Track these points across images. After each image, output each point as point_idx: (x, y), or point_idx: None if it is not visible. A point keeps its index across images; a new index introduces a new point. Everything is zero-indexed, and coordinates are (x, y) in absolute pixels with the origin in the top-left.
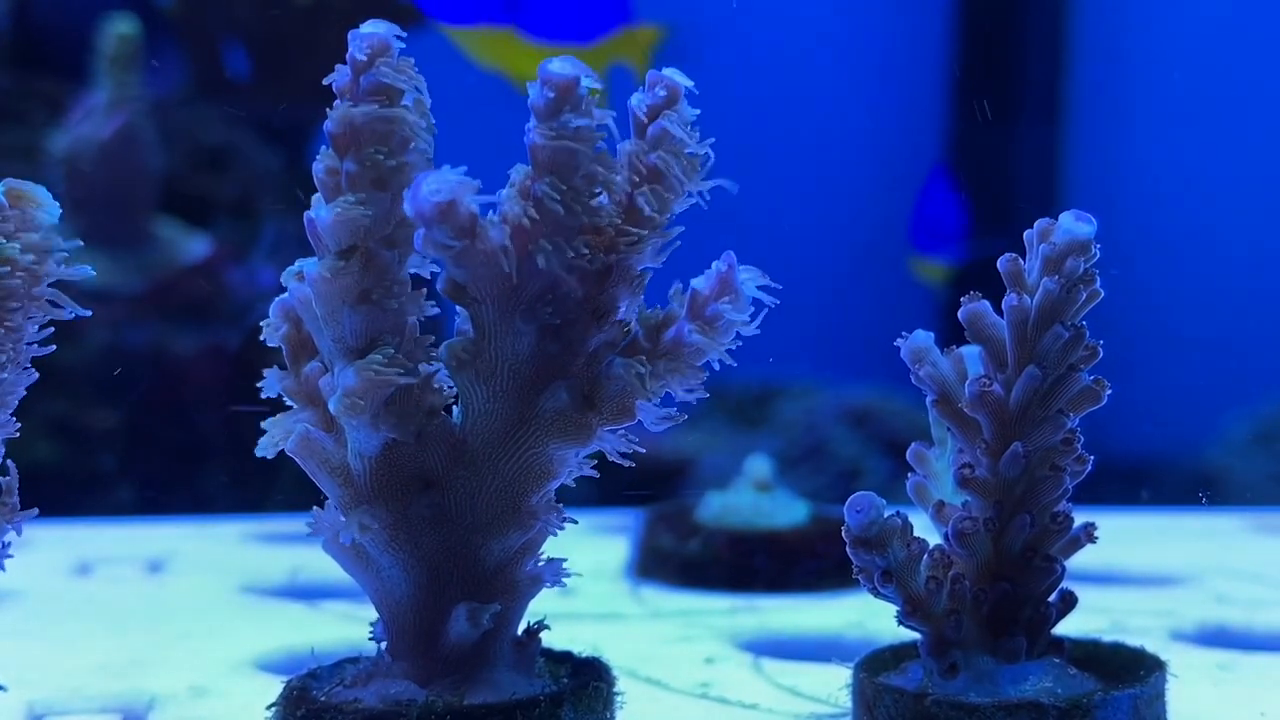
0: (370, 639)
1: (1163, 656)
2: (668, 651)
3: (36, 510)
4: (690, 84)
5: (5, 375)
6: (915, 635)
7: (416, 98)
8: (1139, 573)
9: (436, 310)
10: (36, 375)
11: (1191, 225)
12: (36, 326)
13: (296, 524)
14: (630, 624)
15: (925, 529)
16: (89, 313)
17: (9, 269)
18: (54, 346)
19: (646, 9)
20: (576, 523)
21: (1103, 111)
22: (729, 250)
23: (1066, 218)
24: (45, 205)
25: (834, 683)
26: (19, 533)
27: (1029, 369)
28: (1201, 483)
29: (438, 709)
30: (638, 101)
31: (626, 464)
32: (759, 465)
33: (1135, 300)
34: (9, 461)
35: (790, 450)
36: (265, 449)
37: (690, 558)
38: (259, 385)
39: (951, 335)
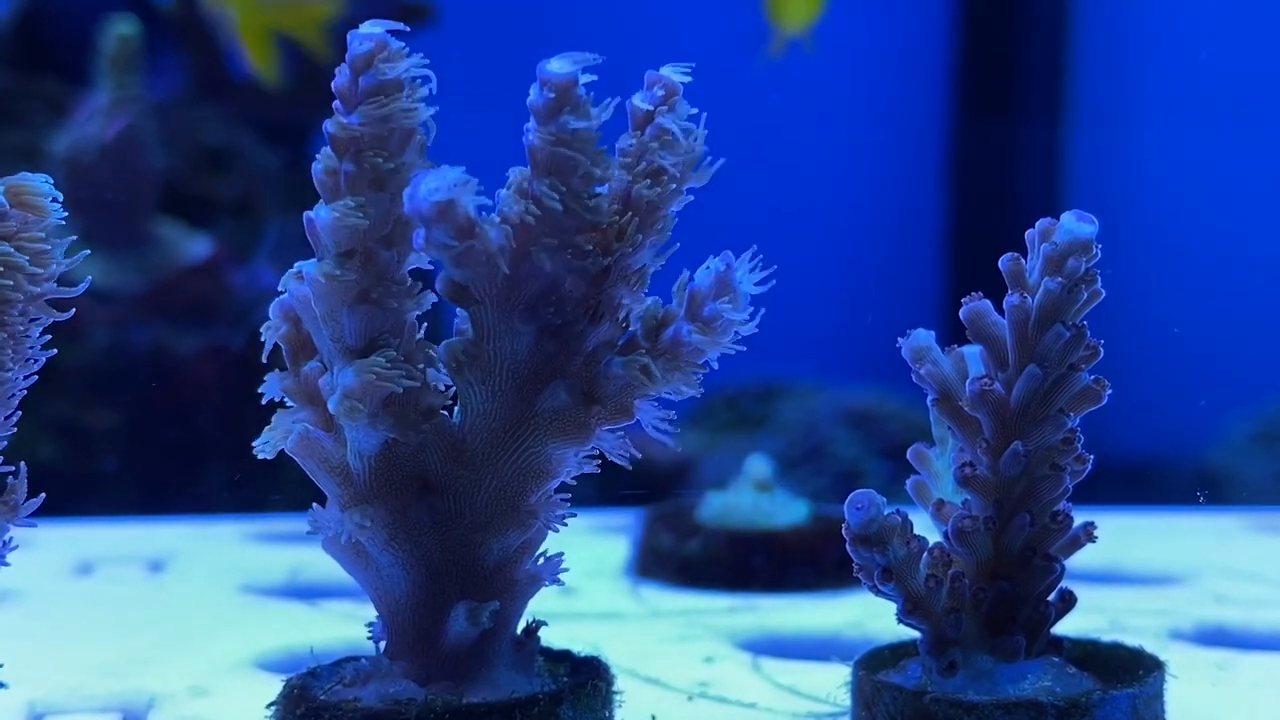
0: (369, 639)
1: (1161, 656)
2: (667, 651)
3: (42, 495)
4: (689, 79)
5: (6, 375)
6: (914, 633)
7: (417, 96)
8: (1138, 572)
9: (434, 300)
10: (37, 370)
11: (1193, 225)
12: (39, 329)
13: (296, 524)
14: (630, 623)
15: (925, 528)
16: (70, 313)
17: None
18: (55, 350)
19: None
20: (575, 515)
21: (1104, 111)
22: (727, 250)
23: (1068, 217)
24: (47, 199)
25: (833, 681)
26: (35, 524)
27: (1030, 368)
28: (1202, 482)
29: (437, 708)
30: (637, 99)
31: (626, 464)
32: (759, 465)
33: (1137, 300)
34: (21, 463)
35: (790, 451)
36: (265, 449)
37: (690, 557)
38: (260, 390)
39: (953, 335)
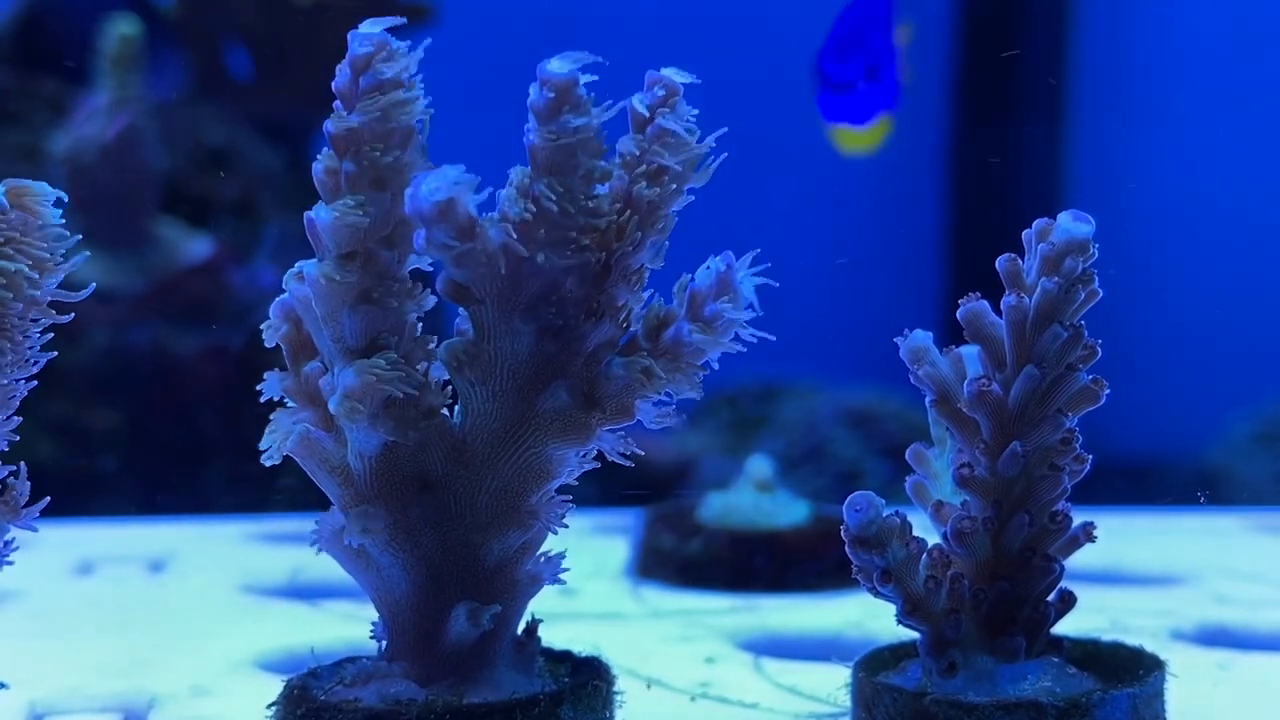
0: (371, 638)
1: (1162, 656)
2: (668, 651)
3: (47, 499)
4: (690, 79)
5: (5, 379)
6: (914, 634)
7: (416, 95)
8: (1139, 572)
9: (435, 300)
10: (35, 372)
11: (1193, 224)
12: (39, 331)
13: (297, 524)
14: (630, 623)
15: (924, 529)
16: (70, 317)
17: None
18: (55, 353)
19: None
20: (573, 508)
21: (1104, 111)
22: (728, 250)
23: (1065, 217)
24: (48, 203)
25: (833, 682)
26: (34, 529)
27: (1027, 369)
28: (1203, 482)
29: (438, 708)
30: (637, 100)
31: (627, 463)
32: (760, 465)
33: (1137, 299)
34: (21, 463)
35: (791, 451)
36: (270, 456)
37: (691, 558)
38: (259, 388)
39: (952, 335)
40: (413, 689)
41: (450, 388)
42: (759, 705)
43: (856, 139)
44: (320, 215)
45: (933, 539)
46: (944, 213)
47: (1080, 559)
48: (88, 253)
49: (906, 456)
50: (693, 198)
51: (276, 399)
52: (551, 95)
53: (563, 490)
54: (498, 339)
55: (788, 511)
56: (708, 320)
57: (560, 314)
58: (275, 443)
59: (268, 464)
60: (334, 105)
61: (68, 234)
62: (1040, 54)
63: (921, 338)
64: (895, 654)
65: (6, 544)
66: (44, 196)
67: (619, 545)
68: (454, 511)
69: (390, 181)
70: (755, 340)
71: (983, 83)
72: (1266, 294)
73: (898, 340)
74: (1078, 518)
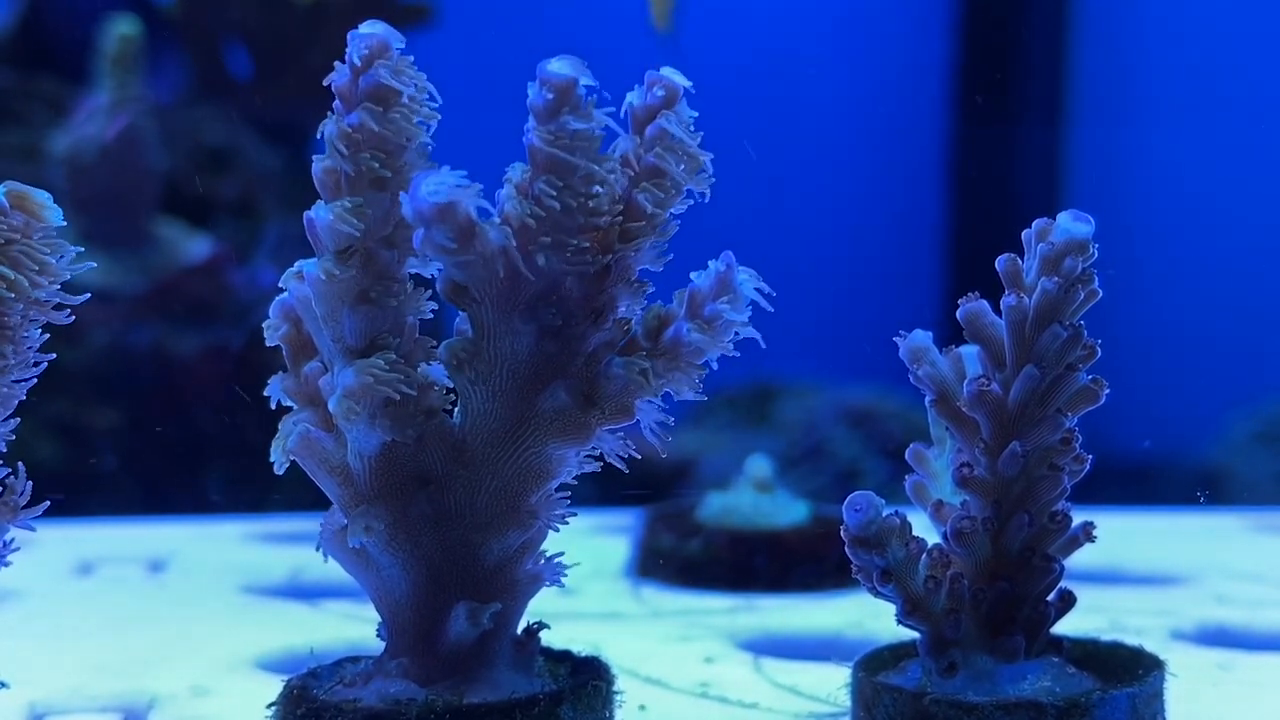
0: (379, 638)
1: (1162, 656)
2: (668, 651)
3: (48, 503)
4: (689, 84)
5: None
6: (914, 634)
7: (415, 96)
8: (1138, 572)
9: (435, 307)
10: (38, 374)
11: (1192, 224)
12: (38, 329)
13: (296, 524)
14: (630, 623)
15: (924, 529)
16: (71, 318)
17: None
18: (54, 355)
19: None
20: (575, 514)
21: (1103, 111)
22: (728, 250)
23: (1064, 217)
24: (48, 209)
25: (833, 682)
26: (32, 529)
27: (1027, 368)
28: (1202, 482)
29: (437, 708)
30: (636, 101)
31: (629, 460)
32: (759, 465)
33: (1137, 299)
34: (20, 463)
35: (790, 450)
36: (279, 465)
37: (691, 557)
38: (265, 393)
39: (953, 335)
40: (412, 689)
41: (449, 388)
42: (759, 705)
43: None
44: (319, 215)
45: (933, 539)
46: (944, 212)
47: (1080, 559)
48: (93, 263)
49: (906, 456)
50: (693, 199)
51: (281, 403)
52: (551, 96)
53: (562, 490)
54: (497, 339)
55: (787, 511)
56: (707, 320)
57: (560, 314)
58: (284, 452)
59: (278, 471)
60: (334, 105)
61: (67, 231)
62: (1040, 54)
63: (921, 337)
64: (895, 654)
65: (6, 544)
66: (43, 200)
67: (619, 545)
68: (454, 511)
69: (389, 182)
70: (756, 335)
71: (983, 83)
72: (1266, 294)
73: (897, 340)
74: (1078, 518)
